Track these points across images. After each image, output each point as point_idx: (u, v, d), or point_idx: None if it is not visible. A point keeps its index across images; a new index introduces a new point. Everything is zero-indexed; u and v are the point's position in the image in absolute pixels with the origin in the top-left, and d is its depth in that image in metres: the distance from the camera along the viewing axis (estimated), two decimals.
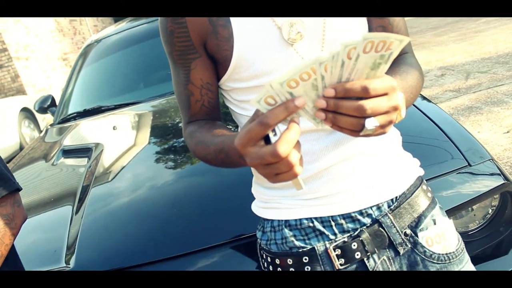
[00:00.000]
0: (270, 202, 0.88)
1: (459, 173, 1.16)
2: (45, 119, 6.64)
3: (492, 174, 1.16)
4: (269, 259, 0.88)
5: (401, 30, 0.86)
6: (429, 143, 1.24)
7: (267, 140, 0.59)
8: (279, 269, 0.86)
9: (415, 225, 0.84)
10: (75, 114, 2.33)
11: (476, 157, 1.19)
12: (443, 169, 1.16)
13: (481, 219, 1.19)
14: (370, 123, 0.58)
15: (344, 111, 0.58)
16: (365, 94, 0.57)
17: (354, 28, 0.79)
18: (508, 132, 3.20)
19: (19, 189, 0.97)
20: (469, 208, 1.18)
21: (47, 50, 10.41)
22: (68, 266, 1.16)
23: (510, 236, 1.19)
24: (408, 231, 0.84)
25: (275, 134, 0.58)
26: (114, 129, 1.94)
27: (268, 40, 0.77)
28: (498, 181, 1.14)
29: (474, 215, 1.19)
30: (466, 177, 1.15)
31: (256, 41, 0.77)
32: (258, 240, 0.93)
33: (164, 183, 1.41)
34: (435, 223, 0.86)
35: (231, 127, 1.43)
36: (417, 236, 0.84)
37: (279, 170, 0.59)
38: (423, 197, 0.87)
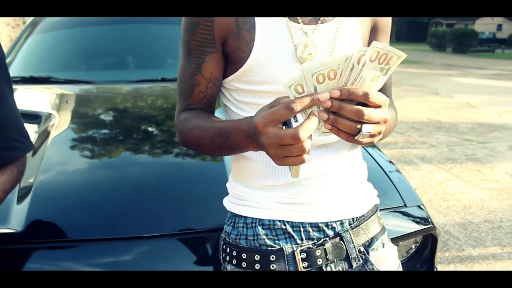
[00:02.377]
0: (247, 200, 0.94)
1: (396, 211, 1.33)
2: None
3: (421, 217, 1.34)
4: (234, 253, 0.94)
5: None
6: (373, 180, 1.40)
7: (285, 125, 0.67)
8: (243, 263, 0.92)
9: (368, 245, 0.96)
10: (18, 78, 2.20)
11: (411, 200, 1.37)
12: (384, 205, 1.31)
13: (405, 253, 1.36)
14: (366, 128, 0.69)
15: (345, 113, 0.68)
16: (365, 99, 0.68)
17: None
18: (415, 190, 3.57)
19: None
20: (396, 243, 1.34)
21: None
22: (15, 229, 1.11)
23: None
24: (362, 249, 0.95)
25: (296, 121, 0.67)
26: (67, 102, 1.88)
27: (283, 54, 0.86)
28: (425, 224, 1.32)
29: (399, 250, 1.35)
30: (401, 215, 1.32)
31: (273, 52, 0.85)
32: (224, 234, 0.98)
33: (123, 165, 1.41)
34: (383, 246, 0.99)
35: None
36: (368, 254, 0.96)
37: (290, 153, 0.66)
38: (377, 222, 1.00)
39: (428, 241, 1.36)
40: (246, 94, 0.89)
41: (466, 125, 5.94)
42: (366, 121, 0.69)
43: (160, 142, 1.61)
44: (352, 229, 0.95)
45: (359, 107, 0.68)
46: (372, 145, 1.69)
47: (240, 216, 0.95)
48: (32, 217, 1.15)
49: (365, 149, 1.56)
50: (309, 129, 0.65)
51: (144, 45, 2.43)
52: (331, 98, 0.68)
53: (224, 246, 0.97)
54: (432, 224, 1.34)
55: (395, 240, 1.27)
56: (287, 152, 0.66)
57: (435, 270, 1.38)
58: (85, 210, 1.22)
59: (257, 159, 0.91)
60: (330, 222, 0.93)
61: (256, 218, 0.93)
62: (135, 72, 2.36)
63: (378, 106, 0.70)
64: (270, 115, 0.66)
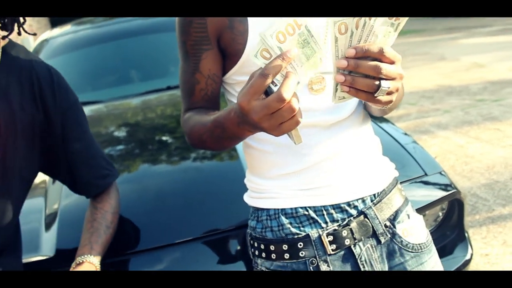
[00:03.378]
0: (266, 192, 0.95)
1: (418, 181, 1.32)
2: None
3: (444, 183, 1.33)
4: (262, 246, 0.95)
5: None
6: (390, 154, 1.40)
7: (267, 94, 0.66)
8: (273, 255, 0.93)
9: (393, 218, 0.97)
10: None
11: (431, 168, 1.37)
12: (405, 176, 1.31)
13: (433, 221, 1.35)
14: (385, 84, 0.68)
15: (362, 70, 0.67)
16: (380, 55, 0.67)
17: None
18: (435, 158, 3.54)
19: None
20: (423, 213, 1.34)
21: None
22: (48, 255, 1.15)
23: (454, 239, 1.37)
24: (388, 223, 0.96)
25: (276, 85, 0.66)
26: None
27: None
28: (448, 190, 1.32)
29: (427, 219, 1.35)
30: (424, 185, 1.32)
31: None
32: (249, 230, 1.00)
33: (143, 177, 1.44)
34: (409, 218, 0.99)
35: None
36: (395, 228, 0.96)
37: (282, 119, 0.65)
38: (399, 195, 1.00)
39: (454, 207, 1.35)
40: None
41: (478, 86, 5.83)
42: (384, 77, 0.68)
43: (175, 150, 1.63)
44: (375, 205, 0.95)
45: (376, 62, 0.67)
46: (385, 119, 1.69)
47: (262, 209, 0.96)
48: (62, 242, 1.18)
49: (378, 124, 1.55)
50: (290, 86, 0.64)
51: (145, 56, 2.46)
52: (346, 57, 0.68)
53: (251, 241, 0.99)
54: (456, 188, 1.33)
55: (421, 210, 1.27)
56: (279, 118, 0.65)
57: (465, 235, 1.37)
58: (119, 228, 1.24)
59: (268, 149, 0.92)
60: (352, 201, 0.93)
61: (278, 209, 0.94)
62: (140, 84, 2.39)
63: (393, 62, 0.69)
64: (249, 90, 0.66)
